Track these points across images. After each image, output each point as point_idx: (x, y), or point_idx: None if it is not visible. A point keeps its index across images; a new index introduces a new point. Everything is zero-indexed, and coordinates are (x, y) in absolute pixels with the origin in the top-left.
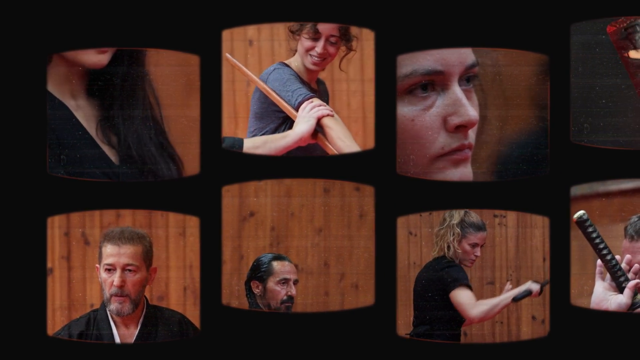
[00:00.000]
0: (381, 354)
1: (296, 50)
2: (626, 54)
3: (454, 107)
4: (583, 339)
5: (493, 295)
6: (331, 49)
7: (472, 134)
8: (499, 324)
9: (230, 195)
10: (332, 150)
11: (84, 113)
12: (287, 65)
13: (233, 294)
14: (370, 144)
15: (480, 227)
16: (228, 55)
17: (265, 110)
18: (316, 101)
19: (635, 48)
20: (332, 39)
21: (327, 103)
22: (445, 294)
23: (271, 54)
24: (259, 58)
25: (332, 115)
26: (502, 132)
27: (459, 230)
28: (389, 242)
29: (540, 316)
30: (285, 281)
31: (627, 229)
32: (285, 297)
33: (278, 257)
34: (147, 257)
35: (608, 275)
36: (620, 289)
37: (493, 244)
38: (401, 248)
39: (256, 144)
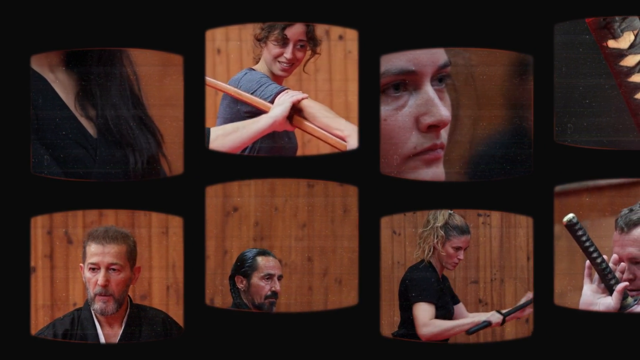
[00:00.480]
0: (365, 354)
1: (259, 58)
2: (605, 44)
3: (426, 107)
4: (567, 338)
5: (477, 294)
6: (299, 54)
7: (444, 133)
8: None
9: (214, 195)
10: (315, 130)
11: (62, 86)
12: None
13: (217, 290)
14: (354, 143)
15: (464, 230)
16: (208, 78)
17: (236, 114)
18: (291, 91)
19: (614, 37)
20: (301, 43)
21: None
22: (439, 288)
23: (239, 60)
24: (227, 66)
25: (307, 98)
26: (475, 132)
27: (442, 232)
28: (373, 242)
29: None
30: (269, 277)
31: (617, 221)
32: (269, 293)
33: (262, 253)
34: (131, 256)
35: (596, 276)
36: (610, 291)
37: (477, 244)
38: (385, 248)
39: (227, 131)
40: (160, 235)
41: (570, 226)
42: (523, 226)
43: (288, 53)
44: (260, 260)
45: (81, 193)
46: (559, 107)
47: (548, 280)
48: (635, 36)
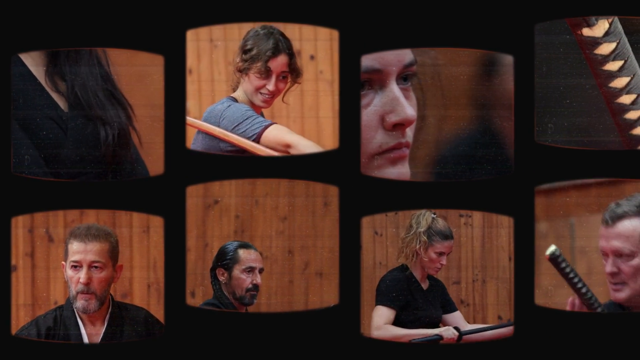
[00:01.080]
0: (346, 353)
1: (237, 86)
2: (579, 32)
3: (392, 106)
4: (548, 338)
5: (459, 295)
6: (281, 85)
7: (410, 132)
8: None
9: (195, 195)
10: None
11: (33, 60)
12: (236, 101)
13: (197, 282)
14: (335, 144)
15: (447, 236)
16: (190, 119)
17: (216, 148)
18: (277, 128)
19: (588, 25)
20: (283, 75)
21: None
22: (409, 294)
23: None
24: (198, 86)
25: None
26: (441, 131)
27: (425, 238)
28: (354, 242)
29: (506, 316)
30: (250, 270)
31: (604, 215)
32: (250, 286)
33: (244, 246)
34: (113, 254)
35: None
36: None
37: (459, 244)
38: (367, 248)
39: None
40: (141, 234)
41: (553, 259)
42: (505, 226)
43: (271, 85)
44: (241, 253)
45: (62, 193)
46: (539, 107)
47: (529, 280)
48: (610, 24)
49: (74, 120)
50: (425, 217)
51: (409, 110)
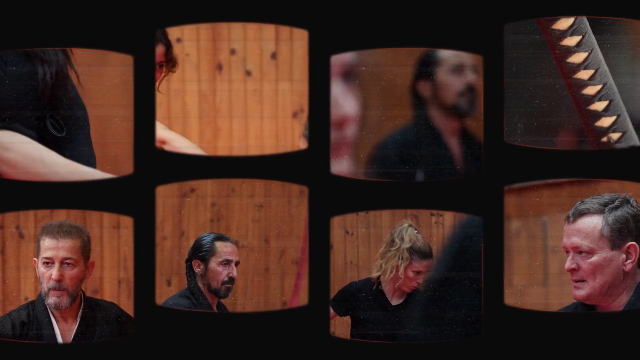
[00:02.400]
0: (315, 353)
1: None
2: (548, 32)
3: (333, 104)
4: (516, 338)
5: None
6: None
7: (350, 130)
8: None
9: (170, 195)
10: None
11: None
12: None
13: (173, 271)
14: (304, 144)
15: (426, 255)
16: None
17: None
18: None
19: (556, 25)
20: (160, 64)
21: None
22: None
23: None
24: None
25: None
26: (382, 130)
27: (408, 255)
28: (323, 242)
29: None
30: (227, 262)
31: (569, 212)
32: (226, 279)
33: (221, 238)
34: (84, 251)
35: None
36: None
37: (430, 232)
38: (337, 248)
39: None
40: (110, 234)
41: None
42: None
43: None
44: (218, 245)
45: (30, 193)
46: (509, 107)
47: (498, 280)
48: (575, 24)
49: (11, 58)
50: (408, 233)
51: (350, 109)
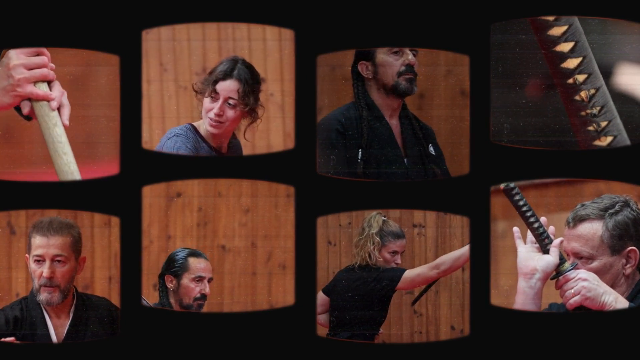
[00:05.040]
0: (301, 354)
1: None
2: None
3: None
4: (502, 338)
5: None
6: (230, 112)
7: None
8: (417, 328)
9: (157, 195)
10: None
11: None
12: (195, 129)
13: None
14: (290, 144)
15: (399, 235)
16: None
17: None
18: None
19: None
20: (231, 102)
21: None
22: (365, 294)
23: (161, 105)
24: (148, 109)
25: None
26: None
27: (378, 238)
28: (309, 243)
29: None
30: (200, 279)
31: (569, 215)
32: (198, 295)
33: (194, 254)
34: (75, 247)
35: (529, 238)
36: (546, 253)
37: (412, 245)
38: (321, 250)
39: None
40: (102, 231)
41: (507, 190)
42: (459, 226)
43: (217, 108)
44: (191, 261)
45: (20, 193)
46: (495, 107)
47: (484, 280)
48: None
49: None
50: (375, 219)
51: None
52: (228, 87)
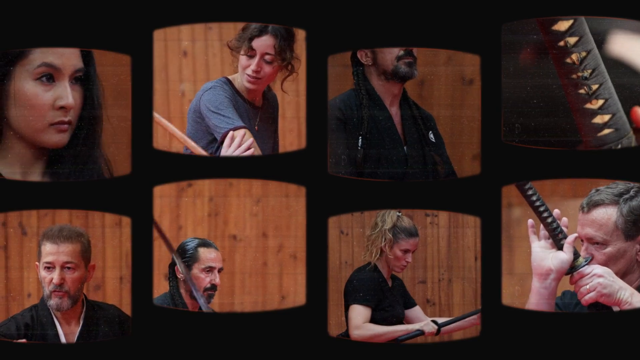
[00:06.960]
0: (313, 354)
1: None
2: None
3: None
4: (514, 338)
5: (425, 295)
6: (267, 68)
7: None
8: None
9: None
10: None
11: None
12: (230, 83)
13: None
14: (302, 143)
15: (412, 233)
16: (156, 115)
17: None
18: (237, 139)
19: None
20: (267, 57)
21: (276, 115)
22: (379, 292)
23: (205, 64)
24: (193, 68)
25: (252, 149)
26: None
27: (390, 235)
28: (321, 242)
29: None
30: (210, 269)
31: (583, 200)
32: (208, 285)
33: (205, 244)
34: (85, 254)
35: (543, 233)
36: (560, 249)
37: (425, 244)
38: (333, 248)
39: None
40: (113, 231)
41: (520, 186)
42: (471, 226)
43: (254, 64)
44: (202, 251)
45: (29, 193)
46: (506, 107)
47: (496, 280)
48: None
49: None
50: (390, 215)
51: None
52: (264, 43)
